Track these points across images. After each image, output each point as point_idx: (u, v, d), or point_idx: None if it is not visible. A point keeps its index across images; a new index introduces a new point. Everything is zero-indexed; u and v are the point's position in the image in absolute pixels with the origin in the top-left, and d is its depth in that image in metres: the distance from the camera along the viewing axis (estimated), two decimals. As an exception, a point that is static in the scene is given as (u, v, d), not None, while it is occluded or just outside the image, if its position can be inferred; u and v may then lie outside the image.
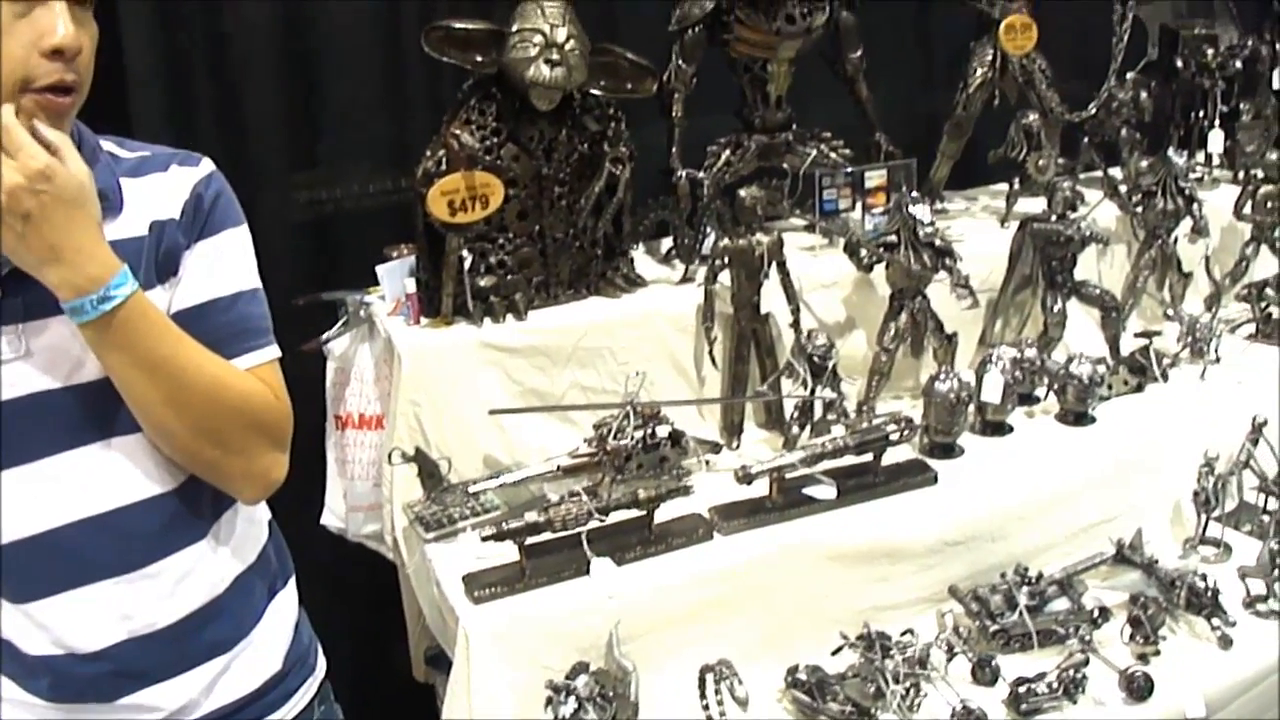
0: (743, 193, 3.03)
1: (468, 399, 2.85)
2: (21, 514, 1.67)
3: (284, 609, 2.03)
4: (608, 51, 3.01)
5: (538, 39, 2.81)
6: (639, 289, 3.16)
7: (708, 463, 2.90)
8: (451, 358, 2.86)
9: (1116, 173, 4.00)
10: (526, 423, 2.91)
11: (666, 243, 3.40)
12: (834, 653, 2.54)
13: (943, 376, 2.99)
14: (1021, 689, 2.49)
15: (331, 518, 3.14)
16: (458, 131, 2.83)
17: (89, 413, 1.68)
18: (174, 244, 1.74)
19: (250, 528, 1.96)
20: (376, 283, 3.05)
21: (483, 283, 2.92)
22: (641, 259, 3.33)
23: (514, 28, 2.84)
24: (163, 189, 1.76)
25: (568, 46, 2.83)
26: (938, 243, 3.08)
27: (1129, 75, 4.01)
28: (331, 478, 3.13)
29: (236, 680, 1.90)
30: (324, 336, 3.04)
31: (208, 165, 1.83)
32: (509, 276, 2.96)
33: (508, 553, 2.47)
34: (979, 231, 3.68)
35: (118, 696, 1.78)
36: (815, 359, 2.99)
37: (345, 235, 3.43)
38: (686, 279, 3.19)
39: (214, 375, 1.72)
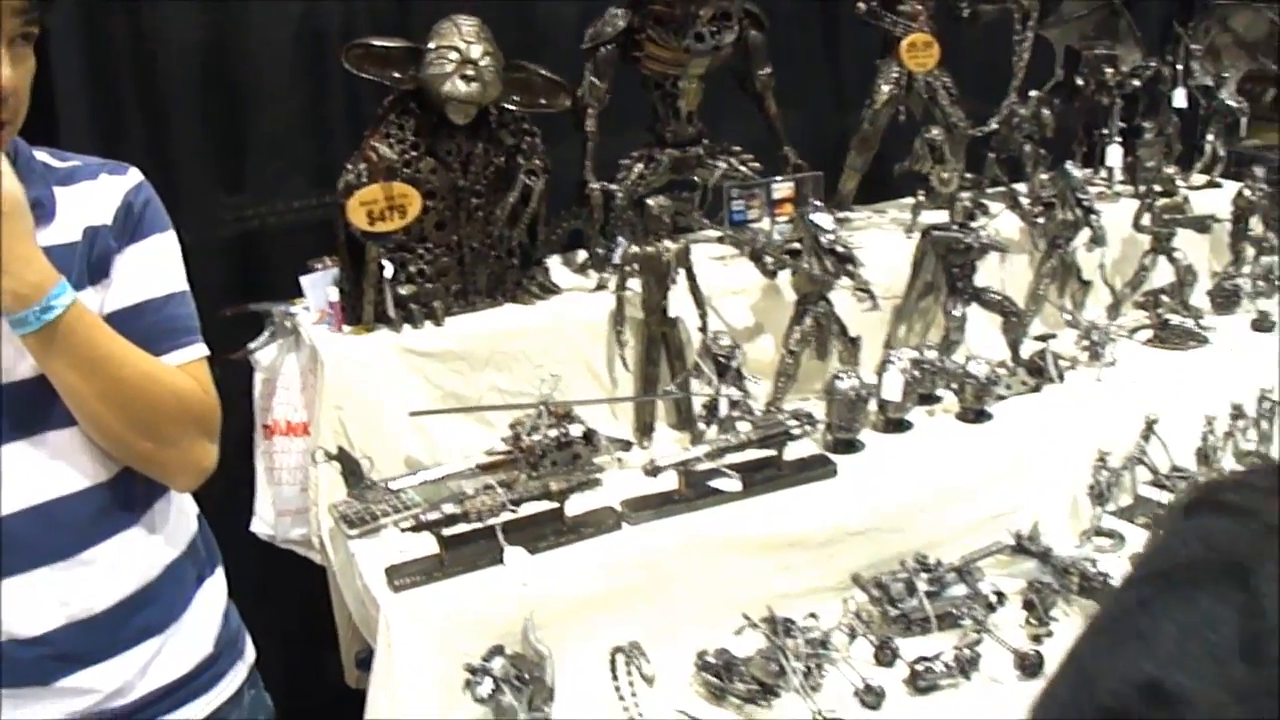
0: (651, 202, 3.14)
1: (389, 402, 2.95)
2: None
3: (213, 595, 2.12)
4: (522, 68, 3.13)
5: (454, 55, 2.93)
6: (553, 296, 3.27)
7: (620, 460, 2.99)
8: (373, 363, 2.96)
9: (1021, 187, 4.14)
10: (446, 425, 3.00)
11: (583, 254, 3.50)
12: (737, 632, 2.62)
13: (844, 376, 3.10)
14: (919, 667, 2.58)
15: (261, 524, 3.20)
16: (376, 144, 2.94)
17: (24, 410, 1.78)
18: (106, 248, 1.85)
19: (180, 518, 2.05)
20: (302, 294, 3.15)
21: (403, 291, 3.02)
22: (558, 269, 3.43)
23: (431, 45, 2.96)
24: (94, 196, 1.86)
25: (483, 63, 2.95)
26: (839, 249, 3.18)
27: (1032, 93, 4.16)
28: (260, 485, 3.20)
29: (169, 663, 1.99)
30: (250, 346, 3.12)
31: (136, 174, 1.94)
32: (428, 285, 3.07)
33: (429, 547, 2.56)
34: (885, 241, 3.80)
35: (55, 679, 1.86)
36: (720, 359, 3.11)
37: (272, 250, 3.50)
38: (600, 287, 3.29)
39: (146, 372, 1.82)
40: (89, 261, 1.83)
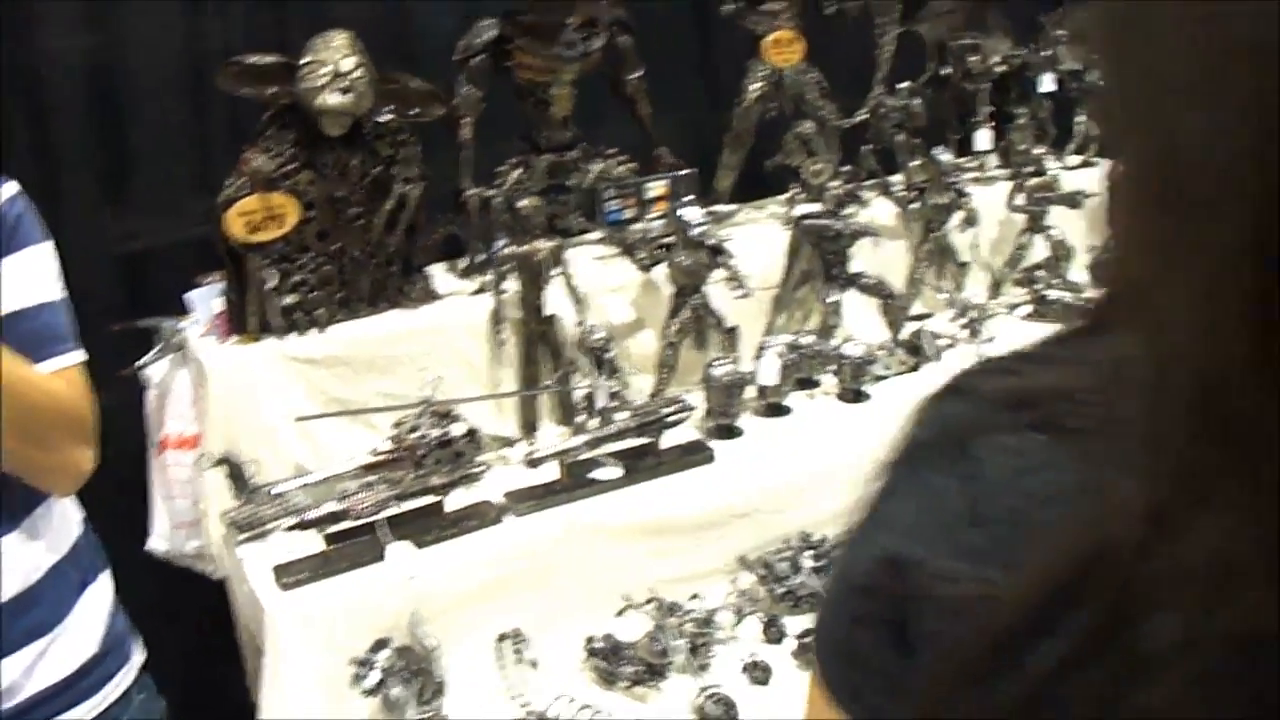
0: (523, 202, 3.22)
1: (276, 409, 2.99)
2: None
3: (98, 597, 2.17)
4: (394, 79, 3.18)
5: (326, 69, 2.98)
6: (435, 301, 3.32)
7: (503, 456, 3.06)
8: (258, 371, 3.00)
9: (897, 177, 4.25)
10: (332, 430, 3.04)
11: (465, 261, 3.54)
12: (619, 614, 2.70)
13: (719, 362, 3.19)
14: (806, 640, 2.63)
15: (158, 541, 3.21)
16: (250, 156, 2.99)
17: None
18: None
19: (62, 523, 2.10)
20: (189, 311, 3.19)
21: (286, 300, 3.07)
22: (440, 275, 3.48)
23: (305, 60, 3.01)
24: None
25: (355, 75, 3.00)
26: (709, 241, 3.27)
27: (902, 85, 4.27)
28: (155, 501, 3.20)
29: (55, 663, 2.03)
30: (139, 362, 3.15)
31: (12, 186, 1.99)
32: (311, 294, 3.11)
33: (316, 548, 2.62)
34: (763, 235, 3.87)
35: (-58, 684, 1.91)
36: (595, 351, 3.19)
37: (160, 266, 3.53)
38: (480, 290, 3.34)
39: (23, 378, 1.87)
40: None
